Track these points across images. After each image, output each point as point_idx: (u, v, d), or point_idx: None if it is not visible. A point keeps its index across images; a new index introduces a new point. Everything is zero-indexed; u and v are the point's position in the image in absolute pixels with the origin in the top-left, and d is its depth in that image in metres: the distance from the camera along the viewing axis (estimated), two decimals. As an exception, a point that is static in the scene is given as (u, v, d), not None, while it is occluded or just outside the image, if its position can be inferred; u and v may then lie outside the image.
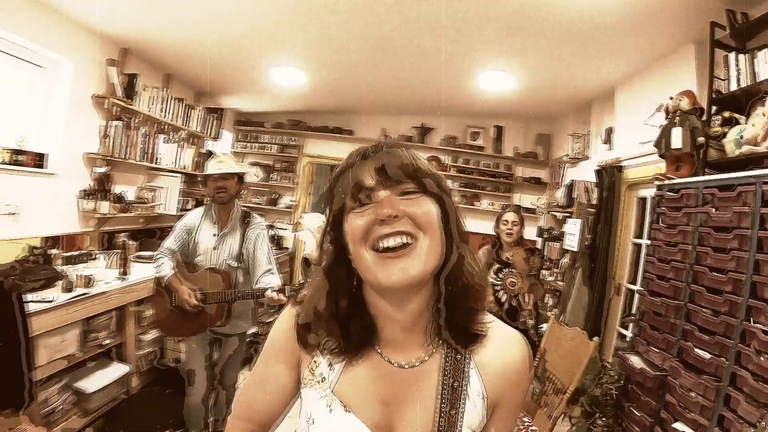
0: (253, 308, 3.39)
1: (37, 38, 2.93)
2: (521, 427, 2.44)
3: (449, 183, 5.50)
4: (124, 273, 3.12)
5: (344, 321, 0.72)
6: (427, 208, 0.67)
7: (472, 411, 0.71)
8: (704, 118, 2.42)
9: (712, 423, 1.92)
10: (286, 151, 6.07)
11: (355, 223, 0.67)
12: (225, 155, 2.64)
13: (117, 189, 3.71)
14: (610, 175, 3.50)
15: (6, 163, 2.84)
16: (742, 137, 2.12)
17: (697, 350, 2.07)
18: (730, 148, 2.23)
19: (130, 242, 3.66)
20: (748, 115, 2.20)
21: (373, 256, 0.66)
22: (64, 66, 3.20)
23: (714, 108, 2.45)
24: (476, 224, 5.47)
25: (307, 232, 4.79)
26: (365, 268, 0.67)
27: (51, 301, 2.40)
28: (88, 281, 2.74)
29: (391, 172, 0.67)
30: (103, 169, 3.50)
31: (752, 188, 1.88)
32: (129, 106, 3.57)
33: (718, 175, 2.14)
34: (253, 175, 6.06)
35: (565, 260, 3.86)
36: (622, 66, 3.39)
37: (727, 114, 2.40)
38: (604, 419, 2.56)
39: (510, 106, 4.84)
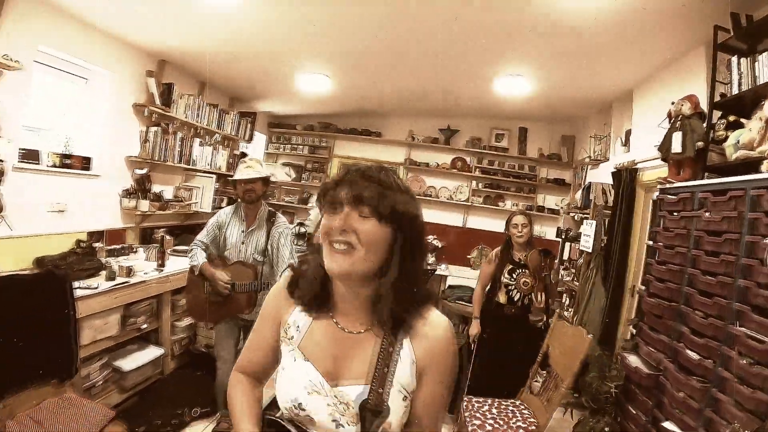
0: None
1: (81, 53, 3.22)
2: (520, 418, 2.55)
3: (473, 183, 5.59)
4: (162, 265, 3.44)
5: (315, 287, 0.99)
6: (370, 230, 0.90)
7: (403, 371, 0.93)
8: (709, 122, 2.41)
9: (698, 423, 1.96)
10: (317, 152, 6.30)
11: (324, 222, 0.94)
12: (252, 160, 2.87)
13: (156, 188, 4.04)
14: (626, 178, 3.50)
15: (56, 166, 3.17)
16: (738, 142, 2.13)
17: (687, 351, 2.10)
18: (730, 152, 2.23)
19: (168, 237, 3.99)
20: (753, 119, 2.19)
21: (328, 248, 0.92)
22: (107, 78, 3.51)
23: (720, 112, 2.45)
24: (500, 224, 5.52)
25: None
26: (323, 255, 0.94)
27: (96, 288, 2.72)
28: (129, 271, 3.05)
29: (356, 196, 0.91)
30: (143, 171, 3.84)
31: (742, 193, 1.91)
32: (166, 113, 3.88)
33: (710, 180, 2.15)
34: (285, 175, 6.36)
35: (581, 261, 3.87)
36: (639, 69, 3.39)
37: (732, 118, 2.40)
38: (604, 417, 2.62)
39: (533, 108, 4.87)
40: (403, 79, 4.28)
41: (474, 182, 5.70)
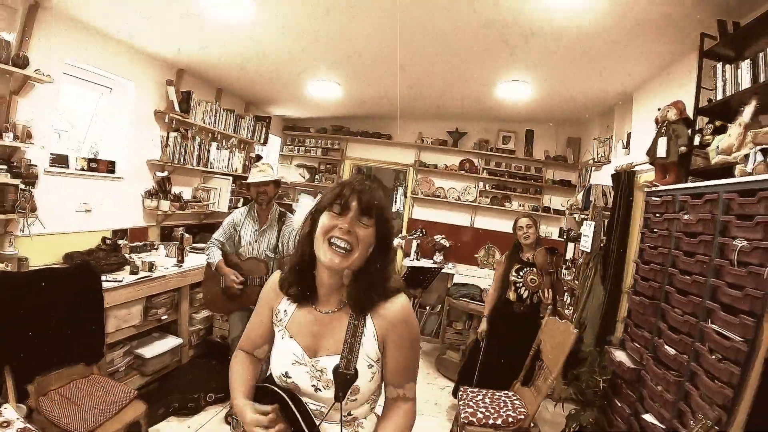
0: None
1: (106, 65, 3.46)
2: (510, 408, 2.69)
3: (481, 184, 5.71)
4: (181, 261, 3.68)
5: (301, 280, 1.18)
6: (369, 235, 1.10)
7: (368, 343, 1.13)
8: (693, 128, 2.51)
9: (673, 415, 2.07)
10: (330, 154, 6.45)
11: (327, 220, 1.11)
12: (265, 165, 3.09)
13: (175, 190, 4.28)
14: (624, 180, 3.58)
15: (83, 170, 3.42)
16: (718, 147, 2.23)
17: (666, 347, 2.21)
18: (712, 156, 2.32)
19: (186, 235, 4.23)
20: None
21: (326, 244, 1.09)
22: (129, 87, 3.74)
23: (707, 118, 2.54)
24: (507, 224, 5.62)
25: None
26: (320, 249, 1.10)
27: (120, 281, 2.97)
28: (151, 266, 3.29)
29: (365, 207, 1.10)
30: (163, 173, 4.08)
31: (716, 197, 2.01)
32: (185, 119, 4.12)
33: (690, 184, 2.26)
34: (299, 176, 6.58)
35: (581, 261, 3.97)
36: (639, 74, 3.47)
37: (718, 123, 2.49)
38: (592, 410, 2.74)
39: (539, 111, 4.94)
40: (411, 84, 4.42)
41: (481, 183, 5.81)
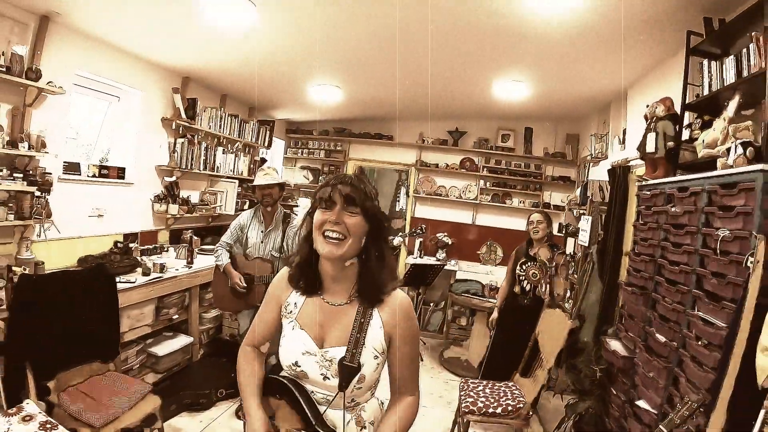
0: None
1: (114, 75, 3.57)
2: (510, 397, 2.78)
3: (481, 182, 5.79)
4: (191, 262, 3.80)
5: (306, 273, 1.26)
6: (357, 223, 1.17)
7: (374, 335, 1.21)
8: (680, 123, 2.58)
9: (663, 400, 2.15)
10: (333, 156, 6.56)
11: (319, 215, 1.19)
12: (270, 168, 3.21)
13: (184, 194, 4.40)
14: (620, 175, 3.65)
15: (95, 176, 3.55)
16: (704, 141, 2.31)
17: (656, 335, 2.29)
18: (699, 150, 2.40)
19: (195, 237, 4.36)
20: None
21: (321, 237, 1.17)
22: (137, 95, 3.86)
23: (696, 113, 2.62)
24: (507, 221, 5.74)
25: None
26: (317, 242, 1.18)
27: (133, 282, 3.09)
28: (162, 268, 3.41)
29: (348, 197, 1.17)
30: (172, 178, 4.21)
31: (700, 189, 2.10)
32: (192, 125, 4.24)
33: (676, 178, 2.34)
34: (303, 178, 6.70)
35: (579, 255, 4.05)
36: (632, 70, 3.54)
37: (706, 118, 2.57)
38: (589, 398, 2.82)
39: (537, 109, 5.02)
40: (411, 86, 4.50)
41: (482, 181, 5.89)
